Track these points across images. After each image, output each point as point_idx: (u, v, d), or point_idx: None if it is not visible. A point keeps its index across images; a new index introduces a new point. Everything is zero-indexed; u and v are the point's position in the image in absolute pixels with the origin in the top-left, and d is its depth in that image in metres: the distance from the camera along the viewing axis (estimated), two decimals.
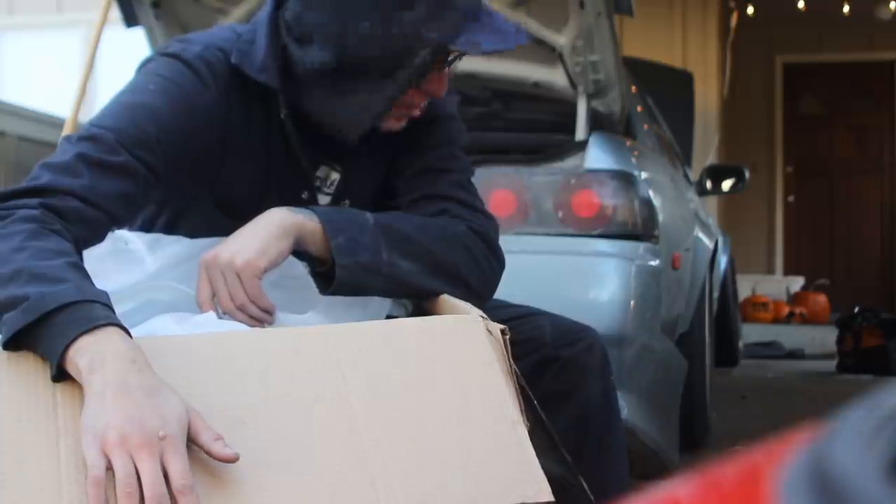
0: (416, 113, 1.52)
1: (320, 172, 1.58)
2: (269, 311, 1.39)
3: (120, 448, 1.04)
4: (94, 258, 1.34)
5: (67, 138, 1.38)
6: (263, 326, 1.37)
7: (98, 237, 1.36)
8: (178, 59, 1.47)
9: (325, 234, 1.41)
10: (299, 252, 1.43)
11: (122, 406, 1.07)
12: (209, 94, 1.47)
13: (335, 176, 1.59)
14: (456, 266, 1.48)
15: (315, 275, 1.46)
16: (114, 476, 1.04)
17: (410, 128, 1.59)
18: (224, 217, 1.52)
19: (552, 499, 1.13)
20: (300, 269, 1.49)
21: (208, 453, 1.08)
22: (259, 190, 1.54)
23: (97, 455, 1.05)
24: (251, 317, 1.37)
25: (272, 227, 1.40)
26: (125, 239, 1.47)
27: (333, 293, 1.43)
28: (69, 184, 1.31)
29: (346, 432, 1.15)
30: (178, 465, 1.05)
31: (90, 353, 1.10)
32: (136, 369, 1.10)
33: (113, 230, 1.40)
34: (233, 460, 1.08)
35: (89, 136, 1.37)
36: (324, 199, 1.59)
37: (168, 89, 1.44)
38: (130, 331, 1.16)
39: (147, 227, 1.58)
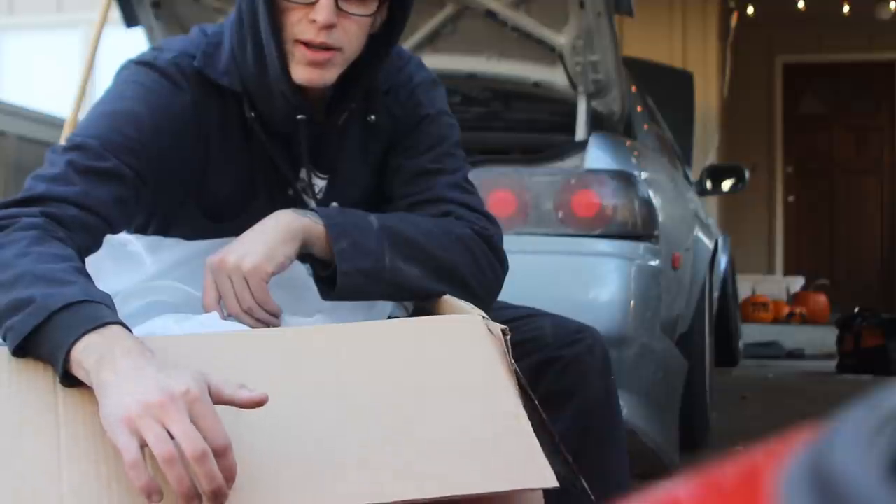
0: (309, 52, 1.42)
1: (303, 175, 1.57)
2: (275, 315, 1.39)
3: (145, 416, 1.02)
4: (92, 261, 1.34)
5: (53, 150, 1.39)
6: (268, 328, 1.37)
7: (97, 244, 1.37)
8: (151, 67, 1.48)
9: (329, 239, 1.41)
10: (303, 255, 1.44)
11: (136, 384, 1.05)
12: (186, 97, 1.47)
13: (321, 183, 1.59)
14: (459, 269, 1.48)
15: (317, 279, 1.46)
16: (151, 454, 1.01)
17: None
18: (212, 224, 1.52)
19: (557, 485, 1.14)
20: (303, 270, 1.49)
21: (237, 403, 1.07)
22: (244, 192, 1.53)
23: (127, 436, 1.02)
24: (257, 320, 1.37)
25: (279, 230, 1.40)
26: (123, 241, 1.47)
27: (335, 299, 1.43)
28: (64, 192, 1.32)
29: (348, 430, 1.15)
30: (210, 423, 1.03)
31: (98, 352, 1.09)
32: (145, 358, 1.09)
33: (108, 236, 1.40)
34: (263, 401, 1.06)
35: (75, 145, 1.38)
36: (311, 203, 1.59)
37: (145, 96, 1.45)
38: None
39: None
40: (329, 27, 1.41)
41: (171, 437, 1.02)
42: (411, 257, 1.45)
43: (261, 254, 1.37)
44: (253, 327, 1.35)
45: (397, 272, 1.43)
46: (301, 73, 1.44)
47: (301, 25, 1.42)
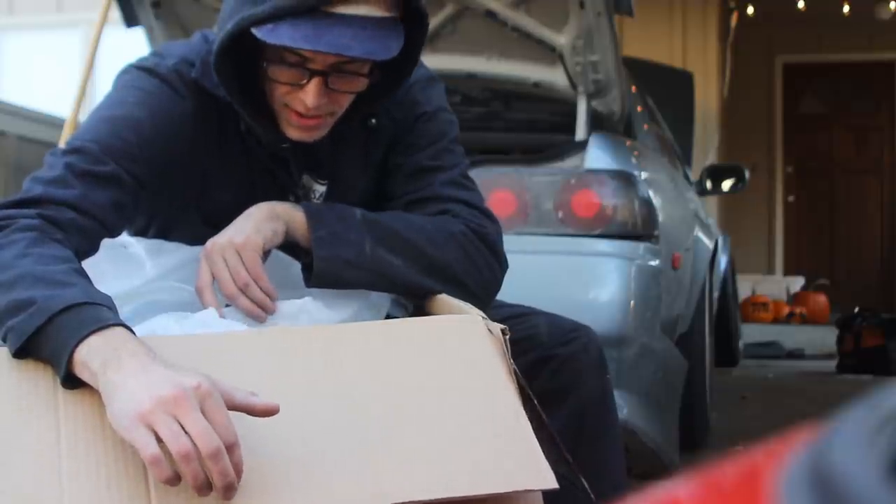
0: (300, 120, 1.43)
1: (303, 182, 1.57)
2: (270, 295, 1.39)
3: (158, 412, 1.03)
4: (90, 263, 1.34)
5: (52, 153, 1.39)
6: (265, 315, 1.38)
7: (94, 247, 1.37)
8: (152, 73, 1.48)
9: (309, 227, 1.42)
10: (290, 247, 1.44)
11: (147, 379, 1.06)
12: (186, 105, 1.47)
13: (321, 188, 1.59)
14: (450, 265, 1.48)
15: (303, 267, 1.47)
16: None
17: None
18: (213, 231, 1.53)
19: (556, 486, 1.14)
20: (296, 265, 1.50)
21: (249, 410, 1.08)
22: (245, 199, 1.53)
23: (143, 432, 1.03)
24: (254, 301, 1.37)
25: (262, 212, 1.43)
26: (123, 244, 1.47)
27: (316, 285, 1.43)
28: (62, 195, 1.32)
29: (348, 429, 1.15)
30: (222, 418, 1.04)
31: (102, 353, 1.10)
32: (151, 358, 1.10)
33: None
34: (275, 410, 1.07)
35: (74, 148, 1.38)
36: None
37: (146, 101, 1.45)
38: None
39: None
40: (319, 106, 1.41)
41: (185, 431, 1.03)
42: (395, 249, 1.45)
43: (249, 229, 1.40)
44: (249, 312, 1.36)
45: (379, 261, 1.43)
46: (292, 133, 1.46)
47: (290, 97, 1.42)
